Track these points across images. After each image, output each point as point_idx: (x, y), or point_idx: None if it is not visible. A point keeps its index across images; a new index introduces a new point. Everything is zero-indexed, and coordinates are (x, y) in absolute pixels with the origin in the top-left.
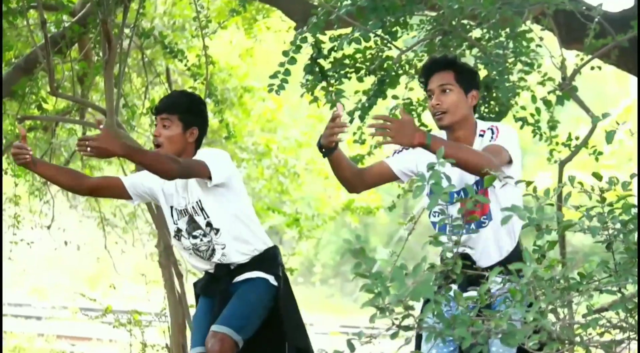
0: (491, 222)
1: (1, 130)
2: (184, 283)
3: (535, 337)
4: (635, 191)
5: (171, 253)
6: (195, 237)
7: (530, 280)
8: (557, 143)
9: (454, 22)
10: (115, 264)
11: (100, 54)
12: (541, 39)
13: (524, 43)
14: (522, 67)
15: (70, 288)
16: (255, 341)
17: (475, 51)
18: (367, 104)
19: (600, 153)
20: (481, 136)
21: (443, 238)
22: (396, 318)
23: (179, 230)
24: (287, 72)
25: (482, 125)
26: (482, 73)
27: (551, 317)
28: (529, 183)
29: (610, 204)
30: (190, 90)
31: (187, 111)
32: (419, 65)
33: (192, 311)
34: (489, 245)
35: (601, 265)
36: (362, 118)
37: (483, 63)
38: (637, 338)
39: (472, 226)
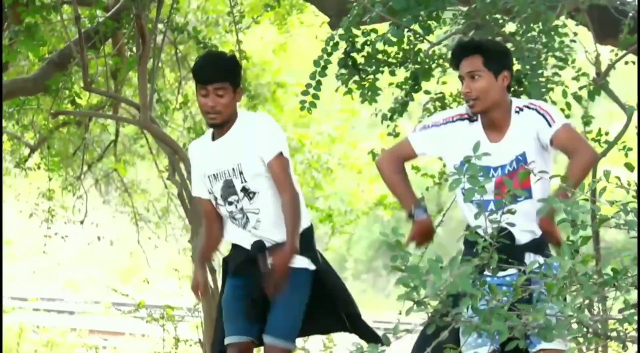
0: (530, 198)
1: (1, 129)
2: (217, 278)
3: (573, 331)
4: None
5: None
6: (230, 203)
7: (567, 275)
8: (591, 139)
9: (486, 17)
10: (148, 259)
11: (134, 49)
12: (575, 34)
13: (557, 38)
14: (556, 63)
15: (103, 283)
16: (311, 319)
17: (508, 45)
18: (402, 102)
19: (630, 149)
20: (517, 112)
21: (480, 220)
22: (432, 313)
23: (215, 199)
24: (318, 87)
25: (517, 102)
26: (515, 68)
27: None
28: (563, 178)
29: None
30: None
31: (235, 75)
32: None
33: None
34: (529, 221)
35: (635, 261)
36: (400, 114)
37: (516, 57)
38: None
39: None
